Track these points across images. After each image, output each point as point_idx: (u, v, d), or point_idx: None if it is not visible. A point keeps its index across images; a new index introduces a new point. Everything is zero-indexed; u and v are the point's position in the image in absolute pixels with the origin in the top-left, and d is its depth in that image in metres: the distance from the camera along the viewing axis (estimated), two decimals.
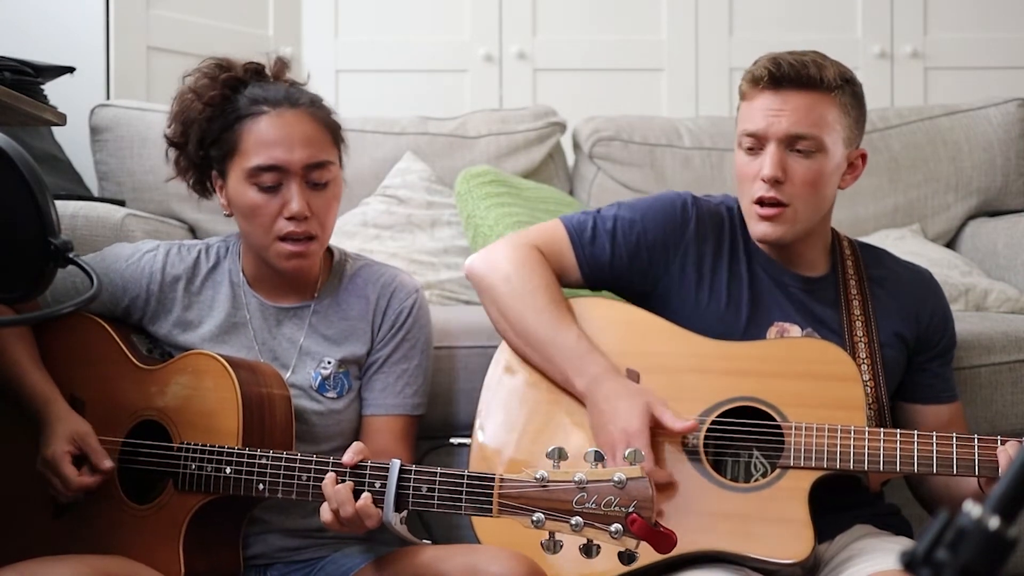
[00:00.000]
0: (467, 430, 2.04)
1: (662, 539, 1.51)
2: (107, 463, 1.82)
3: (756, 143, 1.95)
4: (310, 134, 1.89)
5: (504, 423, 1.99)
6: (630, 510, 1.50)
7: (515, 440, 1.97)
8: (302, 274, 1.96)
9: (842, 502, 1.91)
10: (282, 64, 1.98)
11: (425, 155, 3.02)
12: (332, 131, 1.94)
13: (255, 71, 1.95)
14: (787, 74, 1.92)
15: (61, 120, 2.30)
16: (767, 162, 1.92)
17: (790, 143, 1.93)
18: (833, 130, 1.94)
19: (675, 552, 1.78)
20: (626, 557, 1.53)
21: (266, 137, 1.87)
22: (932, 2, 4.41)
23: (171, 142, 1.97)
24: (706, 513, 1.83)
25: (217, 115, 1.90)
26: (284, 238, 1.88)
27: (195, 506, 1.79)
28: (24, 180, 1.48)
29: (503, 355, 2.04)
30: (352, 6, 4.43)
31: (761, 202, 1.94)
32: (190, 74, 1.94)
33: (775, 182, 1.92)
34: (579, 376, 1.91)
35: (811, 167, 1.93)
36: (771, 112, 1.93)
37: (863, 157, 2.03)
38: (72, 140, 3.02)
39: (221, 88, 1.92)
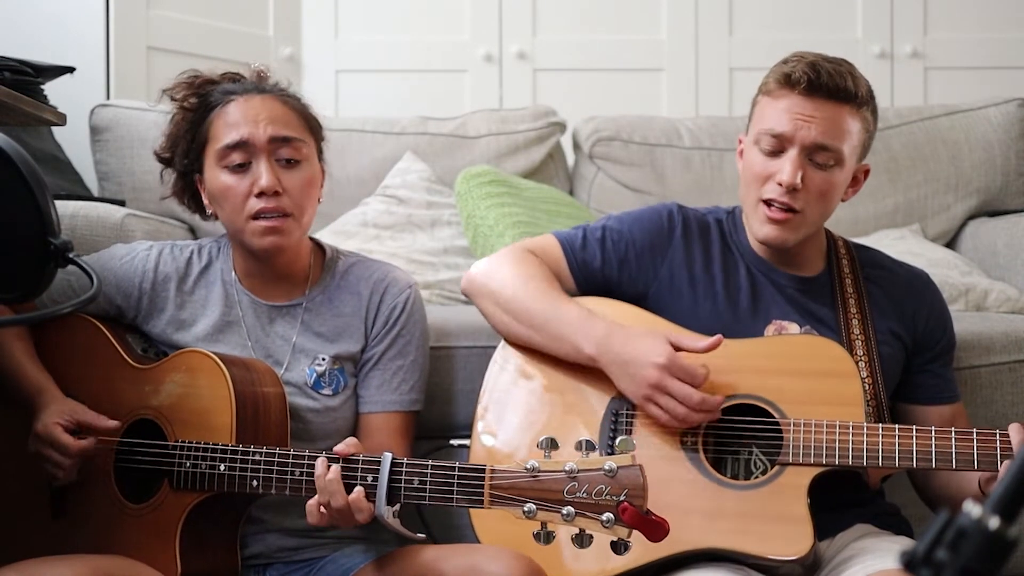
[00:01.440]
0: (466, 430, 2.04)
1: (654, 527, 1.50)
2: (111, 422, 1.84)
3: (777, 145, 1.93)
4: (277, 113, 1.92)
5: (503, 424, 1.99)
6: (621, 499, 1.50)
7: (514, 440, 1.97)
8: (282, 256, 1.95)
9: (842, 499, 1.92)
10: (262, 75, 2.00)
11: (425, 155, 3.02)
12: (304, 117, 1.97)
13: (232, 78, 1.99)
14: (825, 83, 1.90)
15: (61, 120, 2.30)
16: (788, 168, 1.91)
17: (812, 152, 1.92)
18: (852, 143, 1.94)
19: (675, 551, 1.79)
20: (619, 546, 1.53)
21: (233, 118, 1.91)
22: (932, 2, 4.41)
23: (159, 158, 2.01)
24: (705, 511, 1.83)
25: (195, 117, 1.94)
26: (256, 216, 1.89)
27: (190, 504, 1.80)
28: (24, 180, 1.48)
29: (502, 355, 2.05)
30: (352, 6, 4.42)
31: (771, 203, 1.94)
32: (168, 87, 1.98)
33: (793, 189, 1.92)
34: (587, 340, 1.92)
35: (827, 178, 1.93)
36: (801, 117, 1.91)
37: (866, 172, 2.03)
38: (72, 140, 3.02)
39: (196, 90, 1.96)
